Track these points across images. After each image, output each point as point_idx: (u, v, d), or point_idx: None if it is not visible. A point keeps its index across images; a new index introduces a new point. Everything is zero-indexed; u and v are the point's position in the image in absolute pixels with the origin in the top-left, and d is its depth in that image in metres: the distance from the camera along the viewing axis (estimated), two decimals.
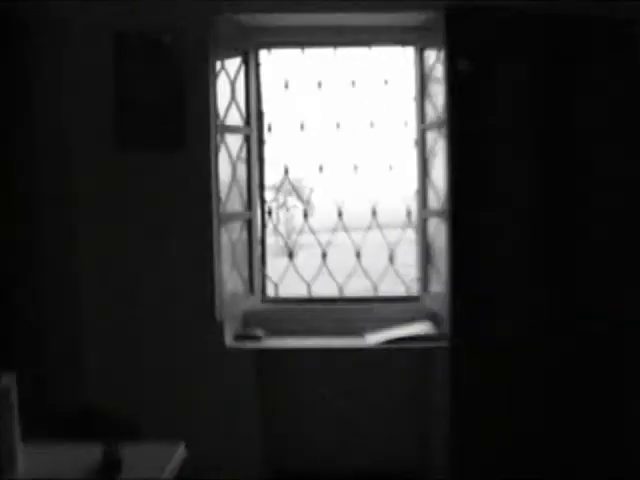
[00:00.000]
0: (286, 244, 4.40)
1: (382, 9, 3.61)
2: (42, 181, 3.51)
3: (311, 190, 4.70)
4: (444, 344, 3.45)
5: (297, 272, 4.16)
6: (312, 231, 4.22)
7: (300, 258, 4.33)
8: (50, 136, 3.55)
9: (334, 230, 4.23)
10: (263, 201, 4.08)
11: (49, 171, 3.55)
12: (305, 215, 4.28)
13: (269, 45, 3.97)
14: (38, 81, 3.49)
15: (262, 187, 4.07)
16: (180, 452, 2.30)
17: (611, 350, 3.49)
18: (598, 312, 3.46)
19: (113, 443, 2.15)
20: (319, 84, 4.07)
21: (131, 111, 3.57)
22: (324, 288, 4.31)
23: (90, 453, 2.18)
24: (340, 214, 4.20)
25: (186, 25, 3.56)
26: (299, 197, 6.27)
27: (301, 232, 4.31)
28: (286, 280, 4.16)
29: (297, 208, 4.70)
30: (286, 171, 4.13)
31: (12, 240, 3.28)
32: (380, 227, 4.21)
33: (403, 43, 3.95)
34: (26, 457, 2.19)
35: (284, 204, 9.61)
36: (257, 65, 3.98)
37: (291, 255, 4.20)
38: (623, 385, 3.51)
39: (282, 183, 4.25)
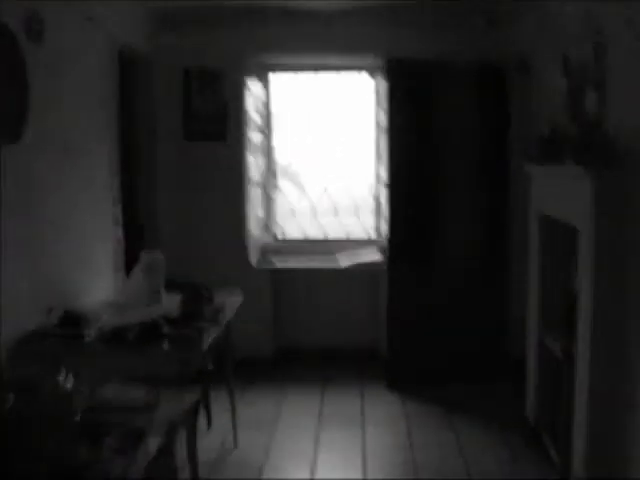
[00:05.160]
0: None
1: (348, 54, 5.79)
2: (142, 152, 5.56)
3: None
4: (386, 266, 5.58)
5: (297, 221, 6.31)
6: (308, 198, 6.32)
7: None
8: (146, 132, 5.64)
9: (321, 195, 6.32)
10: (274, 174, 6.22)
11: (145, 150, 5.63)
12: (302, 189, 6.36)
13: (277, 71, 6.09)
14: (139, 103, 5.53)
15: (273, 164, 6.22)
16: (240, 295, 4.43)
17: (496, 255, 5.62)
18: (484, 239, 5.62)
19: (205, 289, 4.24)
20: (309, 98, 6.21)
21: (194, 117, 5.72)
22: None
23: None
24: (326, 189, 6.31)
25: (228, 62, 5.68)
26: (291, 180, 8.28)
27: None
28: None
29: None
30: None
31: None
32: (352, 196, 6.33)
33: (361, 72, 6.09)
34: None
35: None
36: (270, 85, 6.12)
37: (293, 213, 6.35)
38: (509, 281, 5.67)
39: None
